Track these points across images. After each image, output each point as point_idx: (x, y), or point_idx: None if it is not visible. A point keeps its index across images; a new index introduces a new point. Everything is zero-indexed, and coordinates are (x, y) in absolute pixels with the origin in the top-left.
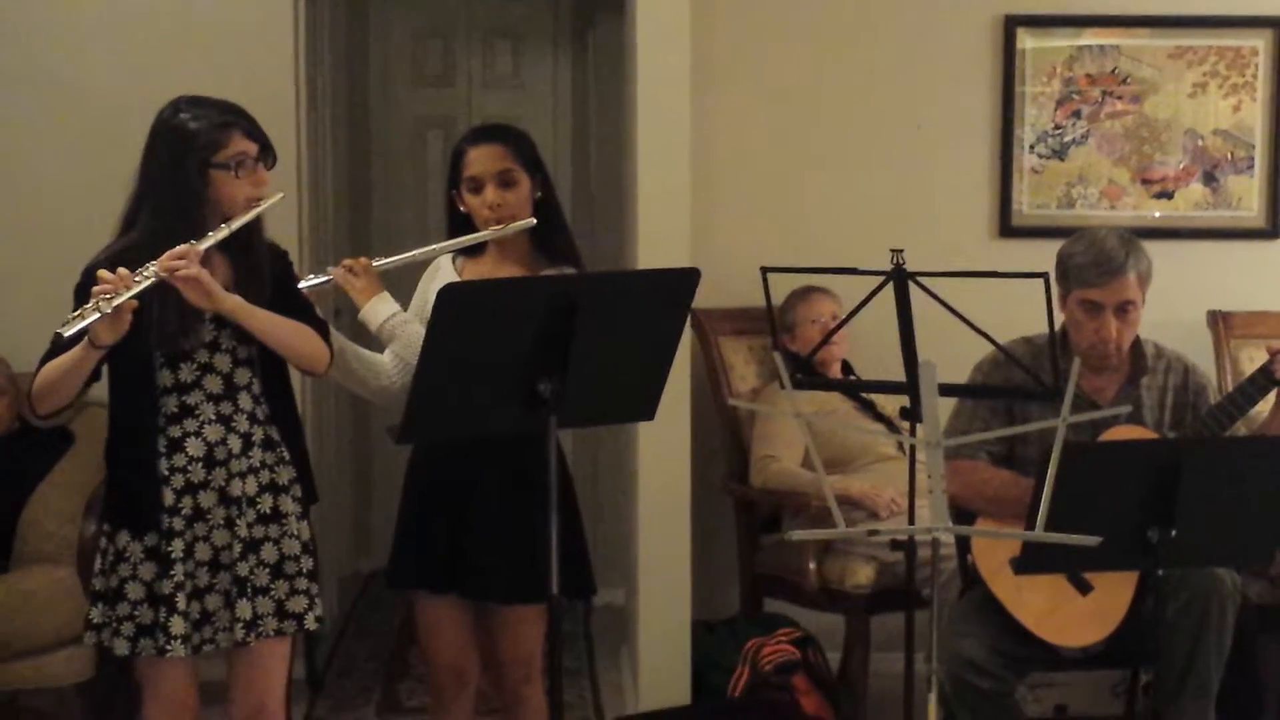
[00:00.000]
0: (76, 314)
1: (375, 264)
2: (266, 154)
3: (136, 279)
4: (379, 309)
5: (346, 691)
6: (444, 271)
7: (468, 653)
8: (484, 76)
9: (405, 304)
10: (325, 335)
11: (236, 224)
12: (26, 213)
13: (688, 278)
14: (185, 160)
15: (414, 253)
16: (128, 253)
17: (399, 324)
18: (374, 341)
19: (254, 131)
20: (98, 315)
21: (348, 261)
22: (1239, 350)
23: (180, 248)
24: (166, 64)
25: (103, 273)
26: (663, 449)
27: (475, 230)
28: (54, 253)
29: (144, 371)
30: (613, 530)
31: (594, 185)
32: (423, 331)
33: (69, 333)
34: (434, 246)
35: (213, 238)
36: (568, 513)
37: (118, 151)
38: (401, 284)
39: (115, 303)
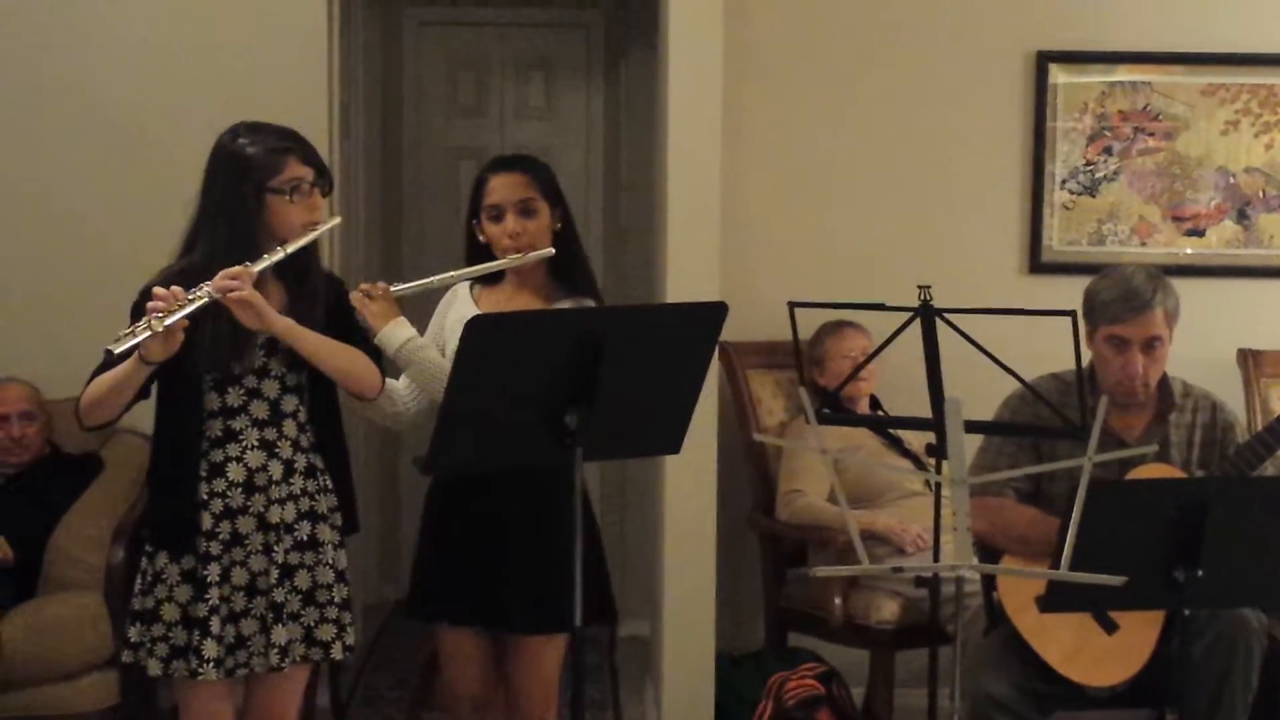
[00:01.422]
0: (128, 331)
1: (393, 289)
2: (322, 180)
3: (189, 297)
4: (395, 334)
5: None
6: (461, 299)
7: (489, 684)
8: (517, 107)
9: (422, 329)
10: (377, 361)
11: (291, 248)
12: (58, 240)
13: (716, 312)
14: (242, 185)
15: (432, 279)
16: (185, 275)
17: (414, 349)
18: (390, 367)
19: (311, 157)
20: (149, 333)
21: (365, 286)
22: (1269, 389)
23: (234, 269)
24: (202, 92)
25: (157, 290)
26: (689, 482)
27: (493, 258)
28: (85, 280)
29: (191, 394)
30: (639, 562)
31: (624, 216)
32: (438, 358)
33: (120, 349)
34: (452, 273)
35: (267, 260)
36: (588, 540)
37: (153, 179)
38: (419, 310)
39: (167, 321)
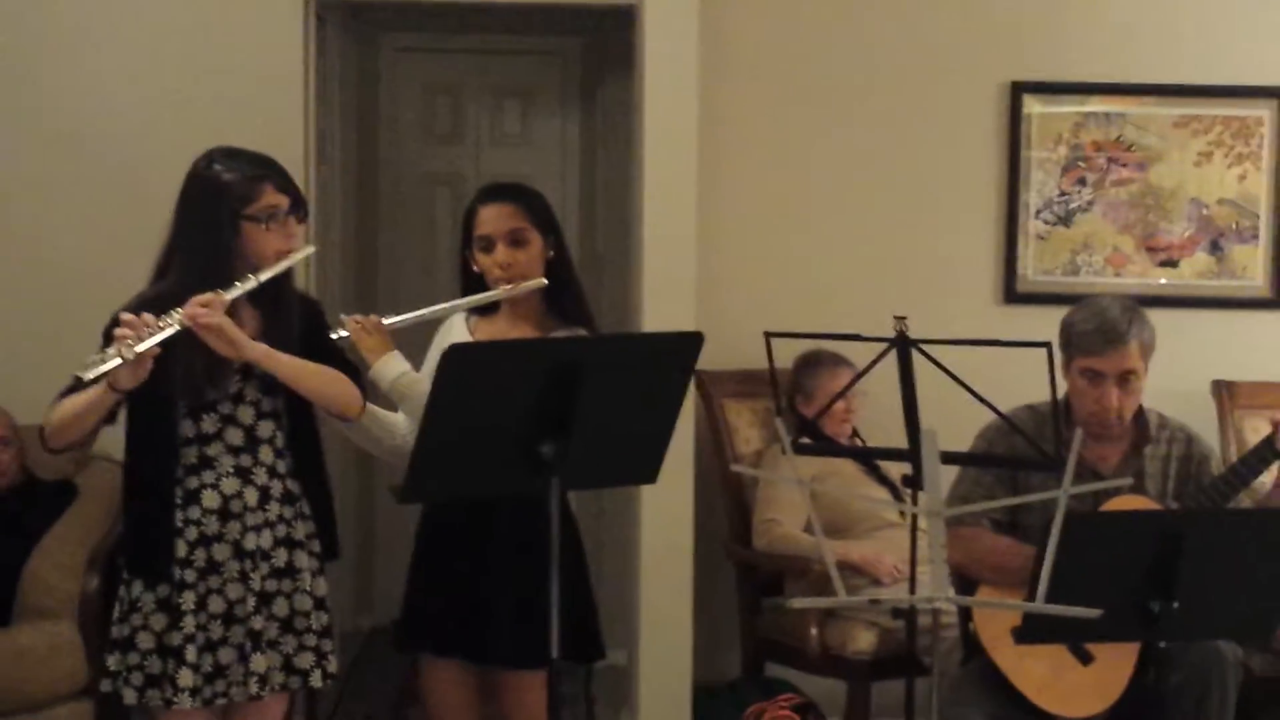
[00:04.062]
0: (98, 356)
1: (386, 322)
2: (298, 208)
3: (160, 325)
4: (390, 367)
5: None
6: (456, 331)
7: (471, 717)
8: (492, 133)
9: (416, 362)
10: (358, 381)
11: (264, 276)
12: (31, 265)
13: (692, 342)
14: (217, 211)
15: (425, 311)
16: (157, 301)
17: (409, 383)
18: (386, 400)
19: (286, 185)
20: (119, 361)
21: (358, 318)
22: (1242, 421)
23: (205, 296)
24: (177, 118)
25: (126, 316)
26: (665, 511)
27: (488, 289)
28: (58, 304)
29: (166, 422)
30: (614, 592)
31: (600, 243)
32: None
33: (89, 377)
34: (445, 305)
35: (240, 288)
36: (576, 576)
37: (126, 204)
38: (413, 342)
39: (137, 349)
